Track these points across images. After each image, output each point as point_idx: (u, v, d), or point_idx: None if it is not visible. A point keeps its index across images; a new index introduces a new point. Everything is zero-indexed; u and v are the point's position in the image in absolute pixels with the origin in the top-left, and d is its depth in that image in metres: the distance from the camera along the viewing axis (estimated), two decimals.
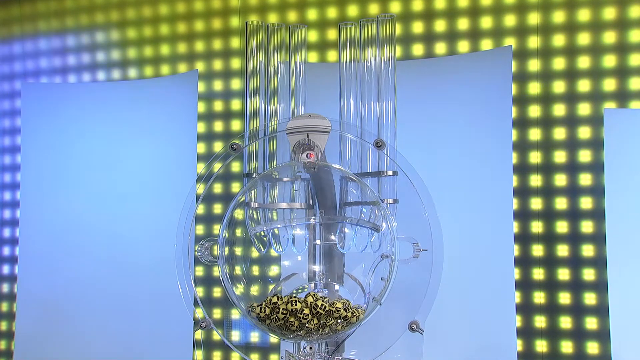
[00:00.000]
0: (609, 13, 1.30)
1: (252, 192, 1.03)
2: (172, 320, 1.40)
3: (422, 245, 0.97)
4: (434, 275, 0.96)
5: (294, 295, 0.94)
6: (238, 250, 1.02)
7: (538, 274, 1.33)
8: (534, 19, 1.34)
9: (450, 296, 1.11)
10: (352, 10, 1.44)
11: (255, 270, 1.06)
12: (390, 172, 1.00)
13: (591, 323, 1.30)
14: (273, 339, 1.27)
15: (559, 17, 1.33)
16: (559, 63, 1.33)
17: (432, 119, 1.31)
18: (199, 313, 1.02)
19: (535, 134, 1.34)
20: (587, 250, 1.31)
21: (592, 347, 1.29)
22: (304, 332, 0.92)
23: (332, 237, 0.99)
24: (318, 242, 0.99)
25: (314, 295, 0.91)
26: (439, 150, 1.29)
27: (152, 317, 1.45)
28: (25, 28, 1.67)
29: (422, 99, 1.31)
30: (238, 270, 1.01)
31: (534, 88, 1.34)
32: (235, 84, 1.52)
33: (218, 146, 1.51)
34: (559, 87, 1.33)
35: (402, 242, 0.97)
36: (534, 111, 1.34)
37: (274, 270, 1.07)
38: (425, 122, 1.30)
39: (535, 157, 1.34)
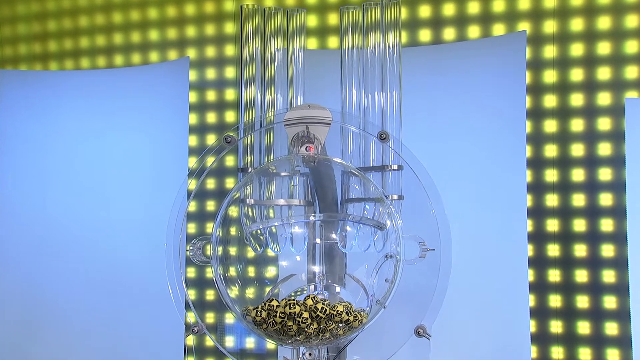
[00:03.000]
0: None
1: (248, 187, 1.04)
2: (162, 324, 1.41)
3: (429, 245, 0.98)
4: (441, 277, 0.98)
5: (292, 297, 0.95)
6: (233, 250, 1.03)
7: (554, 275, 1.34)
8: (550, 1, 1.35)
9: (460, 299, 1.12)
10: None
11: (251, 271, 1.07)
12: (395, 167, 1.01)
13: (611, 328, 1.31)
14: (270, 344, 1.28)
15: None
16: (577, 49, 1.34)
17: (440, 110, 1.31)
18: (191, 317, 1.03)
19: (550, 126, 1.35)
20: (607, 251, 1.32)
21: (613, 354, 1.30)
22: (302, 337, 0.93)
23: (333, 235, 1.01)
24: (318, 241, 1.01)
25: (314, 297, 0.93)
26: (447, 143, 1.30)
27: (140, 322, 1.46)
28: (2, 11, 1.67)
29: (429, 88, 1.31)
30: (232, 271, 1.02)
31: (550, 76, 1.35)
32: (230, 72, 1.53)
33: (211, 139, 1.52)
34: (576, 75, 1.34)
35: (408, 241, 0.98)
36: (550, 101, 1.35)
37: (271, 272, 1.08)
38: (433, 113, 1.31)
39: (550, 151, 1.35)
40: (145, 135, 1.51)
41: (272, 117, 1.07)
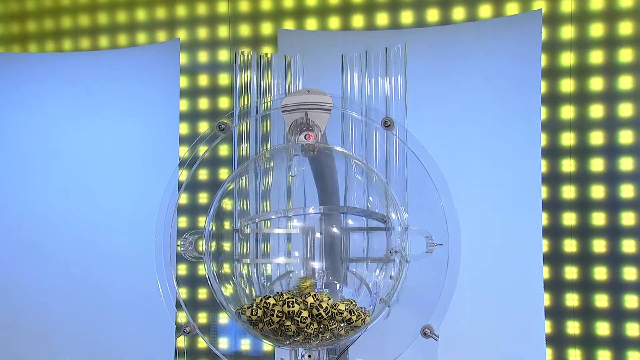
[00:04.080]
0: None
1: (243, 179, 1.05)
2: (151, 325, 1.42)
3: (436, 239, 0.99)
4: (450, 274, 0.99)
5: (291, 294, 0.96)
6: (226, 246, 1.04)
7: (571, 272, 1.35)
8: None
9: (469, 297, 1.13)
10: None
11: (246, 267, 1.08)
12: (400, 156, 1.03)
13: (632, 329, 1.32)
14: (266, 346, 1.29)
15: None
16: (596, 29, 1.34)
17: (449, 95, 1.32)
18: (182, 317, 1.04)
19: (568, 112, 1.35)
20: (628, 246, 1.33)
21: (634, 357, 1.31)
22: (301, 338, 0.94)
23: (334, 229, 1.01)
24: (318, 235, 1.01)
25: (316, 295, 0.93)
26: (457, 131, 1.31)
27: (128, 322, 1.48)
28: None
29: (436, 72, 1.32)
30: (227, 268, 1.03)
31: (567, 59, 1.35)
32: (223, 55, 1.53)
33: (203, 126, 1.53)
34: (596, 57, 1.34)
35: (414, 236, 0.99)
36: (567, 85, 1.35)
37: (267, 269, 1.08)
38: (441, 98, 1.32)
39: (567, 139, 1.35)
40: (132, 123, 1.51)
41: (268, 103, 1.08)
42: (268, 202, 1.06)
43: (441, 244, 0.98)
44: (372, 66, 1.06)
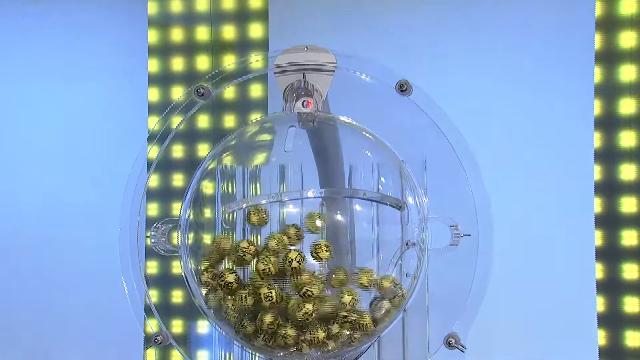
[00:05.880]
0: None
1: (226, 156, 1.06)
2: (114, 334, 1.44)
3: (463, 229, 1.00)
4: (479, 271, 1.00)
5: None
6: (207, 238, 1.05)
7: (630, 271, 1.36)
8: None
9: (503, 300, 1.16)
10: None
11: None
12: (419, 128, 1.04)
13: None
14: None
15: None
16: None
17: (480, 53, 1.33)
18: (153, 324, 1.06)
19: (628, 72, 1.35)
20: None
21: None
22: (293, 335, 0.95)
23: (339, 217, 1.03)
24: (320, 223, 1.02)
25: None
26: (490, 97, 1.32)
27: (85, 331, 1.50)
28: None
29: (464, 25, 1.32)
30: (207, 264, 1.02)
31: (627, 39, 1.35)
32: (201, 3, 1.52)
33: (177, 92, 1.53)
34: None
35: (436, 225, 1.00)
36: (628, 39, 1.35)
37: None
38: (470, 57, 1.33)
39: (627, 106, 1.36)
40: (91, 88, 1.53)
41: (258, 63, 1.09)
42: (258, 184, 1.07)
43: (469, 235, 1.00)
44: (387, 16, 1.06)
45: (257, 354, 1.03)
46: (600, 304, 1.35)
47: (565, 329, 1.31)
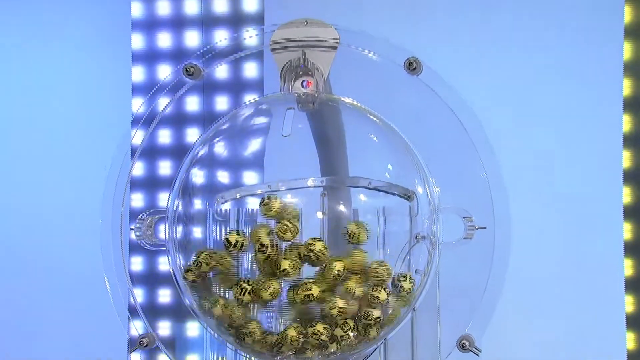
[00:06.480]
0: None
1: (218, 141, 1.05)
2: (96, 336, 1.43)
3: (478, 221, 0.99)
4: (496, 267, 1.00)
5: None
6: (197, 231, 1.04)
7: None
8: None
9: (522, 299, 1.14)
10: None
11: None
12: (429, 110, 1.03)
13: None
14: None
15: None
16: None
17: (498, 27, 1.33)
18: (138, 326, 1.05)
19: None
20: None
21: None
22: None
23: (341, 207, 1.02)
24: (320, 215, 1.01)
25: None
26: (508, 77, 1.32)
27: (64, 332, 1.50)
28: None
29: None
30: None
31: None
32: None
33: (164, 71, 1.53)
34: None
35: (448, 216, 1.00)
36: None
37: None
38: (487, 35, 1.32)
39: None
40: (67, 67, 1.53)
41: (253, 38, 1.08)
42: (252, 173, 1.07)
43: (484, 228, 0.99)
44: None
45: (253, 357, 1.02)
46: (629, 303, 1.35)
47: (590, 331, 1.31)
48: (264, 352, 0.97)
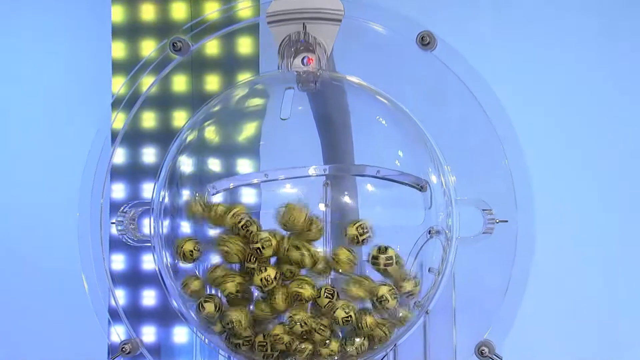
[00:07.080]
0: None
1: (209, 125, 1.04)
2: (74, 341, 1.44)
3: (498, 215, 0.98)
4: (518, 265, 0.98)
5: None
6: (185, 225, 1.03)
7: None
8: None
9: (547, 301, 1.13)
10: None
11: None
12: (444, 89, 1.02)
13: None
14: None
15: None
16: None
17: (519, 6, 1.33)
18: (119, 331, 1.04)
19: None
20: None
21: None
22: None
23: (346, 199, 1.01)
24: (323, 207, 1.00)
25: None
26: (532, 54, 1.31)
27: (41, 335, 1.50)
28: None
29: None
30: None
31: None
32: None
33: (148, 46, 1.52)
34: None
35: (465, 208, 0.99)
36: None
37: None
38: (509, 6, 1.32)
39: None
40: (41, 42, 1.53)
41: (249, 10, 1.07)
42: (247, 160, 1.06)
43: (506, 221, 0.98)
44: None
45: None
46: None
47: (621, 336, 1.31)
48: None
